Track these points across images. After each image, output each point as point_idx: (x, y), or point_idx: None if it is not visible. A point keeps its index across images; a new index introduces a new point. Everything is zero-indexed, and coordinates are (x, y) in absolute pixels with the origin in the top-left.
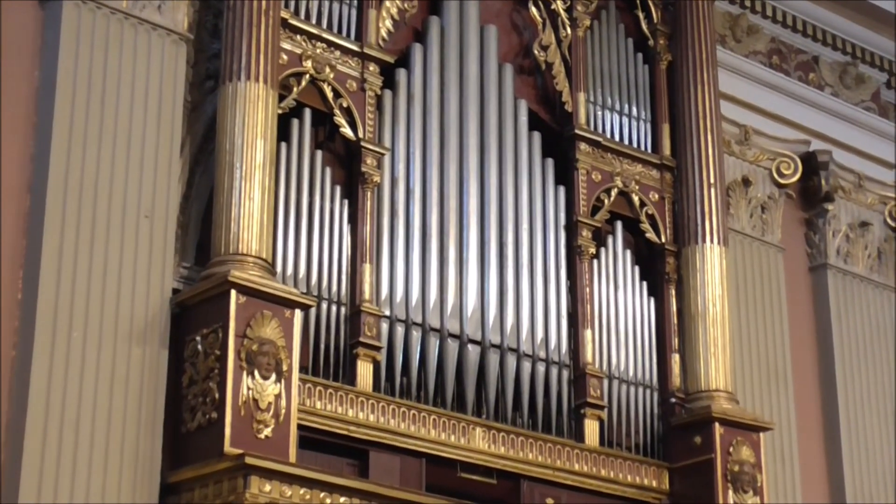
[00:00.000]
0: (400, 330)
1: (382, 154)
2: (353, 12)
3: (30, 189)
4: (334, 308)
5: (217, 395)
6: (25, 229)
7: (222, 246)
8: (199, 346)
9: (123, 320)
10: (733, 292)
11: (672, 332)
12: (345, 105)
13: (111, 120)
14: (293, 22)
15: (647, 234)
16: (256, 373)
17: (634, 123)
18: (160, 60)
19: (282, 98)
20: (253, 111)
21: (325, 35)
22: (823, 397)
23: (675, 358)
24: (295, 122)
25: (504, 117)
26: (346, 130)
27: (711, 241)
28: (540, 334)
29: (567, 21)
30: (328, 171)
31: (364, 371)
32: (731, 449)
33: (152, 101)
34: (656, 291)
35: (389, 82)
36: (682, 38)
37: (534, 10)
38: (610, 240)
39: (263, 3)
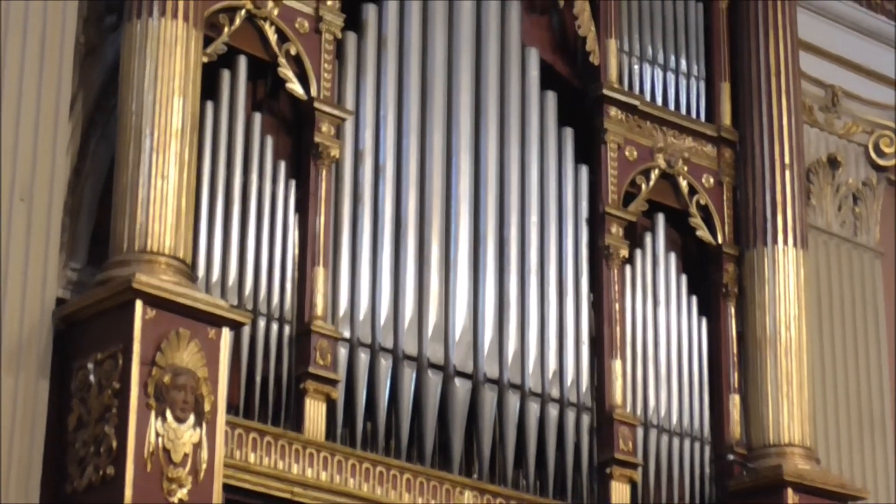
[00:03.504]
0: (363, 357)
1: (343, 119)
2: None
3: None
4: (275, 327)
5: (115, 444)
6: None
7: (125, 241)
8: (92, 377)
9: None
10: (814, 311)
11: (731, 365)
12: (293, 52)
13: None
14: None
15: (699, 232)
16: (169, 413)
17: (683, 82)
18: None
19: (208, 41)
20: (169, 58)
21: None
22: None
23: (735, 400)
24: (225, 73)
25: (508, 71)
26: (295, 86)
27: (785, 242)
28: (552, 365)
29: None
30: (269, 140)
31: (314, 413)
32: None
33: (32, 42)
34: (710, 309)
35: (354, 21)
36: None
37: None
38: (648, 239)
39: None
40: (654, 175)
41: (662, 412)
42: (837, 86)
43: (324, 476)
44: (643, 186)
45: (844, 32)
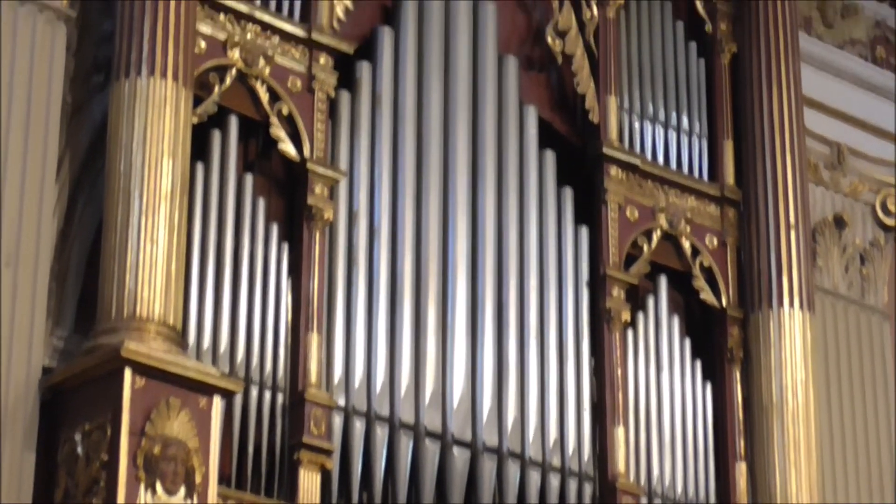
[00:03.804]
0: (359, 426)
1: (337, 180)
2: None
3: None
4: (268, 395)
5: None
6: None
7: (113, 307)
8: (79, 448)
9: None
10: (822, 375)
11: (737, 432)
12: (285, 111)
13: None
14: None
15: (703, 295)
16: (159, 486)
17: (685, 140)
18: (29, 45)
19: (199, 101)
20: (158, 118)
21: (258, 14)
22: None
23: (741, 468)
24: (216, 134)
25: (506, 129)
26: (287, 146)
27: (791, 304)
28: (553, 433)
29: None
30: (261, 202)
31: (309, 483)
32: None
33: (18, 102)
34: (714, 374)
35: (347, 80)
36: (752, 22)
37: None
38: (651, 301)
39: None
40: (656, 236)
41: (667, 481)
42: (843, 143)
43: None
44: (645, 248)
45: (850, 88)
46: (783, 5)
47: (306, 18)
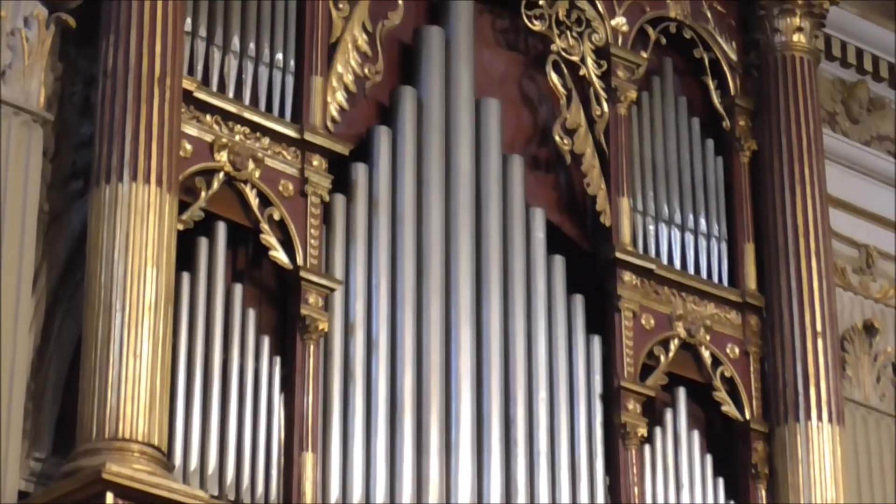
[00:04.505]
0: None
1: (332, 289)
2: (290, 81)
3: None
4: None
5: None
6: None
7: (93, 427)
8: None
9: None
10: (853, 493)
11: None
12: (277, 217)
13: None
14: (201, 95)
15: (724, 408)
16: None
17: (703, 243)
18: (4, 150)
19: (184, 207)
20: (141, 226)
21: (247, 114)
22: None
23: None
24: (203, 241)
25: (511, 234)
26: (279, 254)
27: (819, 417)
28: None
29: (603, 92)
30: (251, 313)
31: None
32: None
33: None
34: (738, 492)
35: (342, 182)
36: (773, 118)
37: (554, 76)
38: (669, 416)
39: (157, 67)
40: (673, 345)
41: None
42: (872, 245)
43: None
44: (662, 358)
45: (878, 187)
46: (805, 100)
47: (298, 118)
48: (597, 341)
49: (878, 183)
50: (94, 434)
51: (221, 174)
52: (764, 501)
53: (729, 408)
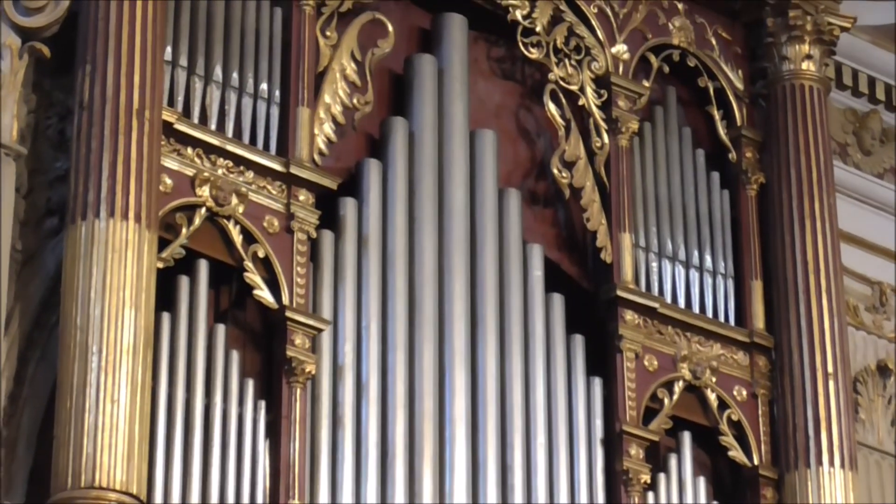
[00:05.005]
0: None
1: (319, 330)
2: (275, 112)
3: None
4: None
5: None
6: None
7: (69, 476)
8: None
9: None
10: None
11: None
12: (261, 254)
13: None
14: (182, 128)
15: (731, 453)
16: None
17: (709, 280)
18: None
19: (164, 244)
20: (119, 264)
21: (230, 147)
22: None
23: None
24: (184, 280)
25: (508, 271)
26: (264, 294)
27: (832, 463)
28: None
29: (603, 123)
30: (235, 356)
31: None
32: None
33: None
34: None
35: (330, 218)
36: (781, 149)
37: (552, 106)
38: (673, 461)
39: (136, 98)
40: (678, 388)
41: None
42: (885, 282)
43: None
44: (666, 401)
45: (891, 222)
46: (815, 131)
47: (284, 151)
48: (597, 383)
49: (890, 217)
50: (69, 483)
51: (203, 210)
52: None
53: (736, 453)
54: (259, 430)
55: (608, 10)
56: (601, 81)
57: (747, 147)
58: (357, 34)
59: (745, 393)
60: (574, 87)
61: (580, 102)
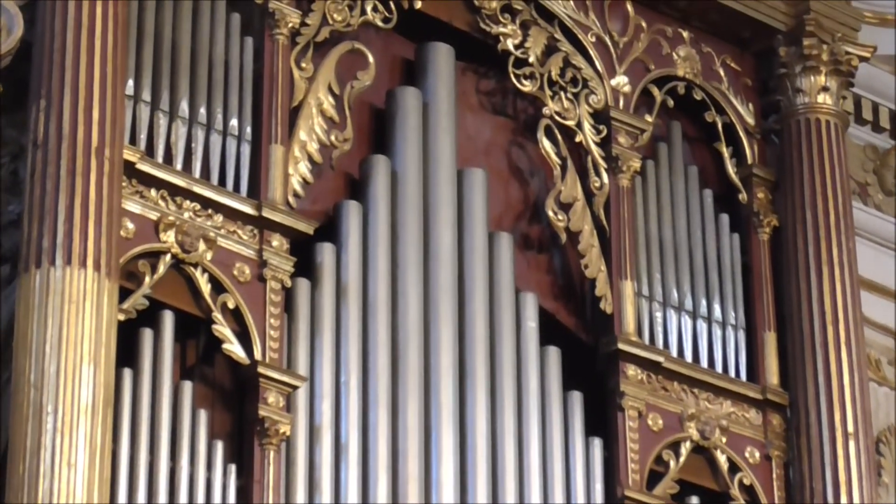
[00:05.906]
0: None
1: (295, 387)
2: (246, 150)
3: None
4: None
5: None
6: None
7: None
8: None
9: None
10: None
11: None
12: (231, 305)
13: None
14: (144, 167)
15: None
16: None
17: (718, 332)
18: None
19: (126, 294)
20: (76, 316)
21: (197, 189)
22: None
23: None
24: (147, 333)
25: (499, 322)
26: (234, 348)
27: None
28: None
29: (602, 162)
30: (203, 415)
31: None
32: None
33: None
34: None
35: (305, 265)
36: (796, 189)
37: (546, 143)
38: None
39: (94, 136)
40: (684, 449)
41: None
42: None
43: None
44: (672, 464)
45: None
46: (832, 169)
47: (256, 192)
48: (597, 445)
49: None
50: None
51: (168, 257)
52: None
53: None
54: (229, 497)
55: (607, 40)
56: (600, 116)
57: (759, 187)
58: (335, 65)
59: (757, 455)
60: (571, 123)
61: (577, 139)
